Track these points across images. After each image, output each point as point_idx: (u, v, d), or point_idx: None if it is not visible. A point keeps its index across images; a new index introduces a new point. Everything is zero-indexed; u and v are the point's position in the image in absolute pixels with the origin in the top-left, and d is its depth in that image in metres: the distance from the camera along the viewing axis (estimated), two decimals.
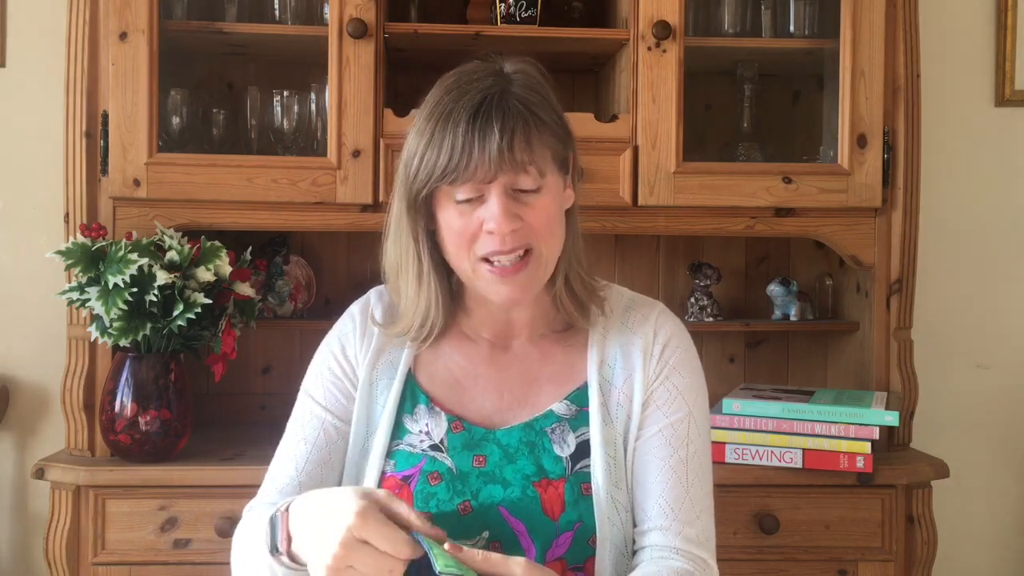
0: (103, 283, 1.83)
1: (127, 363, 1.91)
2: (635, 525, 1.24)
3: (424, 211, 1.23)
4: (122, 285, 1.81)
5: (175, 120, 2.11)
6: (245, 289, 1.98)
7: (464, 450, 1.24)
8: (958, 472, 2.14)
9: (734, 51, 2.21)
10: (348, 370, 1.31)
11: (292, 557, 1.08)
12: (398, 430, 1.27)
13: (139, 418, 1.90)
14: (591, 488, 1.22)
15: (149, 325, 1.85)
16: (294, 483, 1.26)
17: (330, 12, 2.00)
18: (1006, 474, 2.51)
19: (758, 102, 2.30)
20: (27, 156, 2.33)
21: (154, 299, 1.83)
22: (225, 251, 1.94)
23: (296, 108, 2.16)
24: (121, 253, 1.84)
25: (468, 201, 1.19)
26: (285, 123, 2.16)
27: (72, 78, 1.98)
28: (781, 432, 1.94)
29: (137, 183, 1.97)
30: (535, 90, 1.22)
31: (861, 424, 1.91)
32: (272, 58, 2.31)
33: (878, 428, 1.91)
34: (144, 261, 1.83)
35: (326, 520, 1.01)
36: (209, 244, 1.94)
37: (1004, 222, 2.51)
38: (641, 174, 2.04)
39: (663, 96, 2.04)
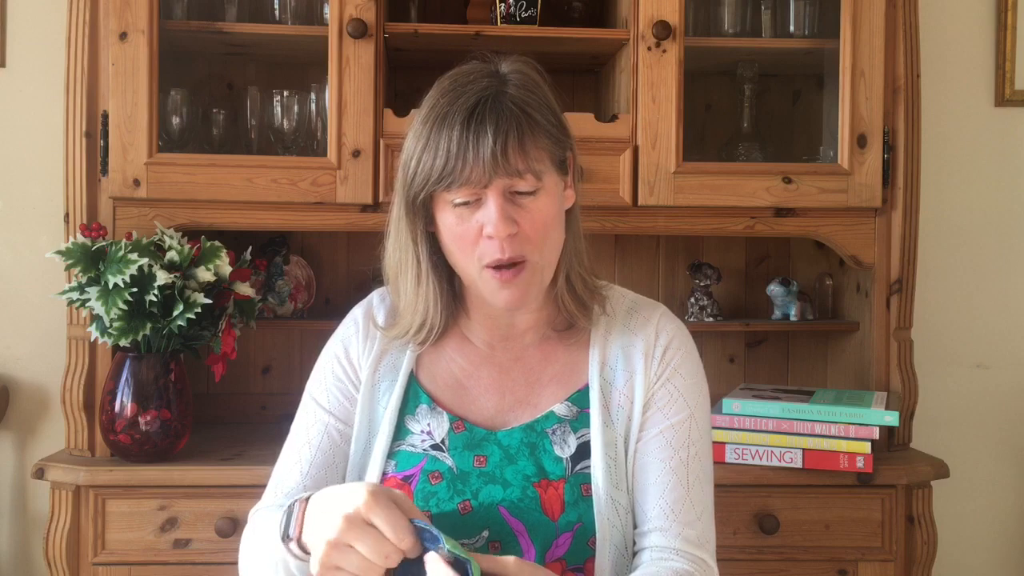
0: (103, 283, 1.83)
1: (127, 363, 1.91)
2: (635, 526, 1.24)
3: (423, 213, 1.23)
4: (122, 285, 1.81)
5: (175, 120, 2.11)
6: (245, 289, 1.98)
7: (465, 450, 1.24)
8: (958, 472, 2.15)
9: (734, 51, 2.21)
10: (351, 373, 1.31)
11: (302, 547, 1.08)
12: (400, 431, 1.27)
13: (139, 418, 1.90)
14: (591, 489, 1.22)
15: (149, 325, 1.85)
16: (299, 487, 1.26)
17: (330, 12, 2.01)
18: (1006, 474, 2.51)
19: (758, 102, 2.30)
20: (27, 156, 2.33)
21: (154, 299, 1.83)
22: (225, 251, 1.94)
23: (296, 108, 2.16)
24: (121, 253, 1.84)
25: (466, 204, 1.19)
26: (285, 123, 2.16)
27: (72, 78, 1.98)
28: (781, 432, 1.94)
29: (137, 183, 1.97)
30: (531, 91, 1.21)
31: (861, 424, 1.91)
32: (272, 58, 2.31)
33: (878, 428, 1.91)
34: (144, 261, 1.83)
35: (337, 501, 1.02)
36: (209, 244, 1.94)
37: (1004, 222, 2.51)
38: (641, 174, 2.04)
39: (663, 96, 2.04)
